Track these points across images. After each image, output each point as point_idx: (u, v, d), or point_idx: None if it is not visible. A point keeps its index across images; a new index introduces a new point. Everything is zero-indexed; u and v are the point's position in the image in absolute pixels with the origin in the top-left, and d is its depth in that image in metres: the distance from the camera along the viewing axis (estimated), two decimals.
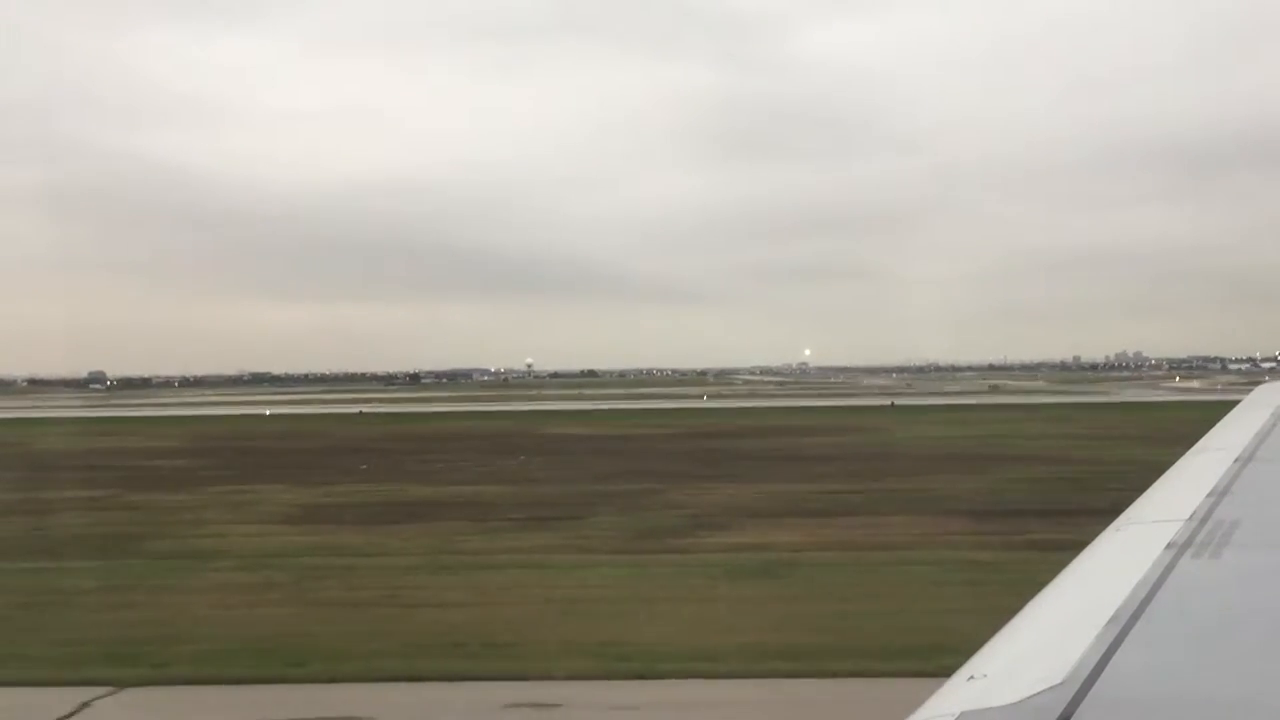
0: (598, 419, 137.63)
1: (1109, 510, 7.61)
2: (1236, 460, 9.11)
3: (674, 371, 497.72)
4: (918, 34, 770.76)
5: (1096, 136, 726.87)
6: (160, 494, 62.66)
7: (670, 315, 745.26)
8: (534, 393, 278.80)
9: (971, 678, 4.05)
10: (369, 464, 79.33)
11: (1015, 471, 65.94)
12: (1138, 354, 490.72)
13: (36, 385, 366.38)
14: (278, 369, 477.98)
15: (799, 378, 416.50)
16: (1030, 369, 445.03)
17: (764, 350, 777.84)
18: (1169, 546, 5.76)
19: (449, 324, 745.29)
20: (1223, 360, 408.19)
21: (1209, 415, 14.29)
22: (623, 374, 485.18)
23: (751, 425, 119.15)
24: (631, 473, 69.02)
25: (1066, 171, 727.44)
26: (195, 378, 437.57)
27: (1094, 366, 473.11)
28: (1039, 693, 3.61)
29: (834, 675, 24.96)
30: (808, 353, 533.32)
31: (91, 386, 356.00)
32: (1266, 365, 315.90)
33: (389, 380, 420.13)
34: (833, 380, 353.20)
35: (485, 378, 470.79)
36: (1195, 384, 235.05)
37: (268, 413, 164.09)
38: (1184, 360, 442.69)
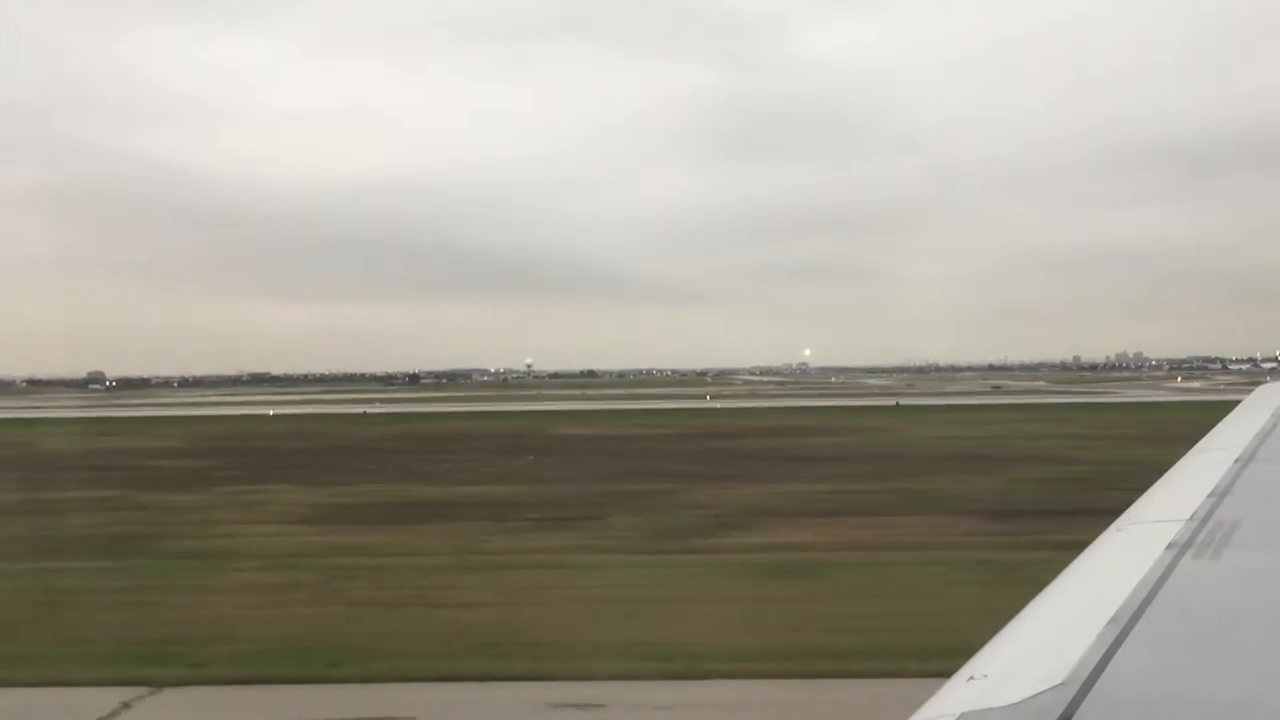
0: (601, 419, 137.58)
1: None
2: (1237, 460, 9.13)
3: (673, 372, 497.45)
4: (918, 34, 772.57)
5: (1096, 136, 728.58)
6: (176, 495, 62.67)
7: (670, 315, 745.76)
8: (535, 393, 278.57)
9: (972, 678, 4.05)
10: (379, 464, 79.38)
11: (1037, 471, 66.05)
12: (1138, 354, 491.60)
13: (35, 386, 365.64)
14: (277, 369, 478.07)
15: (799, 378, 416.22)
16: (1030, 369, 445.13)
17: (763, 350, 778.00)
18: (1170, 547, 5.77)
19: (449, 324, 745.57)
20: (1223, 361, 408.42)
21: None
22: (622, 374, 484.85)
23: (759, 426, 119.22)
24: (644, 473, 69.06)
25: (1066, 171, 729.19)
26: (194, 378, 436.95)
27: (1094, 367, 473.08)
28: (1040, 693, 3.61)
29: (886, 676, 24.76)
30: (807, 353, 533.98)
31: (91, 387, 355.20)
32: (1267, 365, 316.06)
33: (388, 381, 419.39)
34: (833, 380, 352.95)
35: (485, 378, 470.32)
36: (1197, 384, 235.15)
37: (271, 413, 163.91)
38: (1184, 361, 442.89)
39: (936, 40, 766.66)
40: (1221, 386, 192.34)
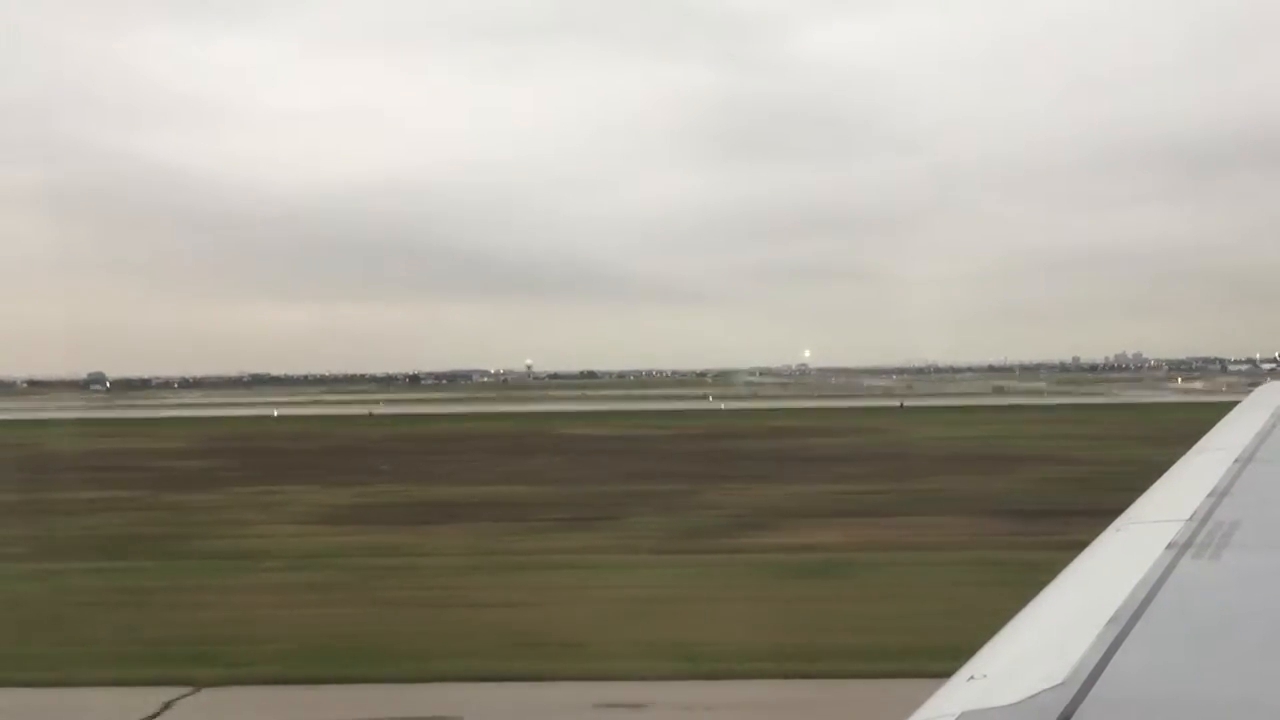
0: (605, 420, 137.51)
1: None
2: (1237, 460, 9.16)
3: (673, 373, 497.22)
4: (918, 34, 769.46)
5: (1096, 136, 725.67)
6: (198, 494, 62.67)
7: (670, 315, 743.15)
8: (536, 393, 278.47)
9: (972, 678, 4.05)
10: (390, 465, 79.45)
11: (1047, 471, 66.15)
12: (1137, 355, 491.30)
13: (36, 386, 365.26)
14: (277, 370, 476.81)
15: (799, 379, 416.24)
16: (1030, 370, 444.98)
17: (763, 350, 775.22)
18: (1169, 547, 5.77)
19: (449, 325, 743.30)
20: (1223, 361, 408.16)
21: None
22: (622, 375, 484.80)
23: (765, 426, 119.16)
24: (655, 474, 69.07)
25: (1066, 171, 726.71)
26: (195, 379, 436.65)
27: (1094, 367, 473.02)
28: (1040, 693, 3.62)
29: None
30: (807, 353, 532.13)
31: (91, 388, 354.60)
32: (1267, 366, 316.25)
33: (388, 381, 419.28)
34: (834, 381, 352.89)
35: (485, 379, 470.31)
36: (1198, 385, 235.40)
37: (275, 414, 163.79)
38: (1184, 361, 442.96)
39: (936, 40, 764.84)
40: (1223, 387, 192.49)
